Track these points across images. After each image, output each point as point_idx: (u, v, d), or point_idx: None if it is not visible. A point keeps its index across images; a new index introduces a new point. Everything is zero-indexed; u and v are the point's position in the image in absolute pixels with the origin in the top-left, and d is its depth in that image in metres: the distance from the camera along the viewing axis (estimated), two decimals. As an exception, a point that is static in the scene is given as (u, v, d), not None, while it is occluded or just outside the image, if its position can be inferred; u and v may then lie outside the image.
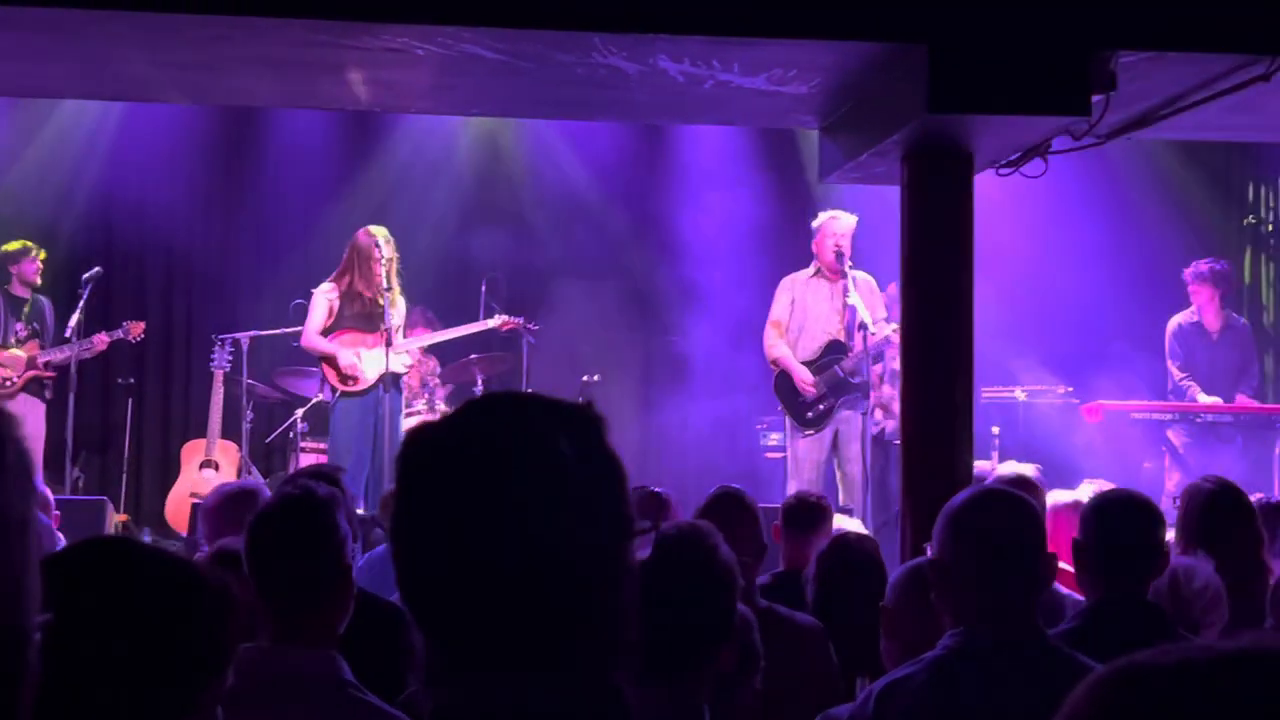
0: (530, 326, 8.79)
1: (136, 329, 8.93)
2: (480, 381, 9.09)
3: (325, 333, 7.94)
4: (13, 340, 8.72)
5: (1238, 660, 0.85)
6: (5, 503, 0.81)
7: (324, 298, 7.98)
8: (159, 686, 1.59)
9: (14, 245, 8.86)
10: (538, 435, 1.29)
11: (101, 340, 8.83)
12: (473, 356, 8.96)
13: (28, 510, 0.84)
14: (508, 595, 1.25)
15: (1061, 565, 4.48)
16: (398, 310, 7.94)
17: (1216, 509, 4.06)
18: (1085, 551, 3.30)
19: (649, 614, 2.30)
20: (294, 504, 2.55)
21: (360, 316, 7.92)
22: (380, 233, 7.95)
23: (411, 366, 8.45)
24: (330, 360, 7.89)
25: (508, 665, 1.26)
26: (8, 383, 8.62)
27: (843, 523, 5.34)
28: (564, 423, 1.31)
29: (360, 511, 6.02)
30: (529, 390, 7.76)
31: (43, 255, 8.90)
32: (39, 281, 8.90)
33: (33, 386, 8.73)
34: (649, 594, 2.34)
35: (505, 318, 8.64)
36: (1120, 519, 3.28)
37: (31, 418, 8.62)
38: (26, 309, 8.83)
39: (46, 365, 8.70)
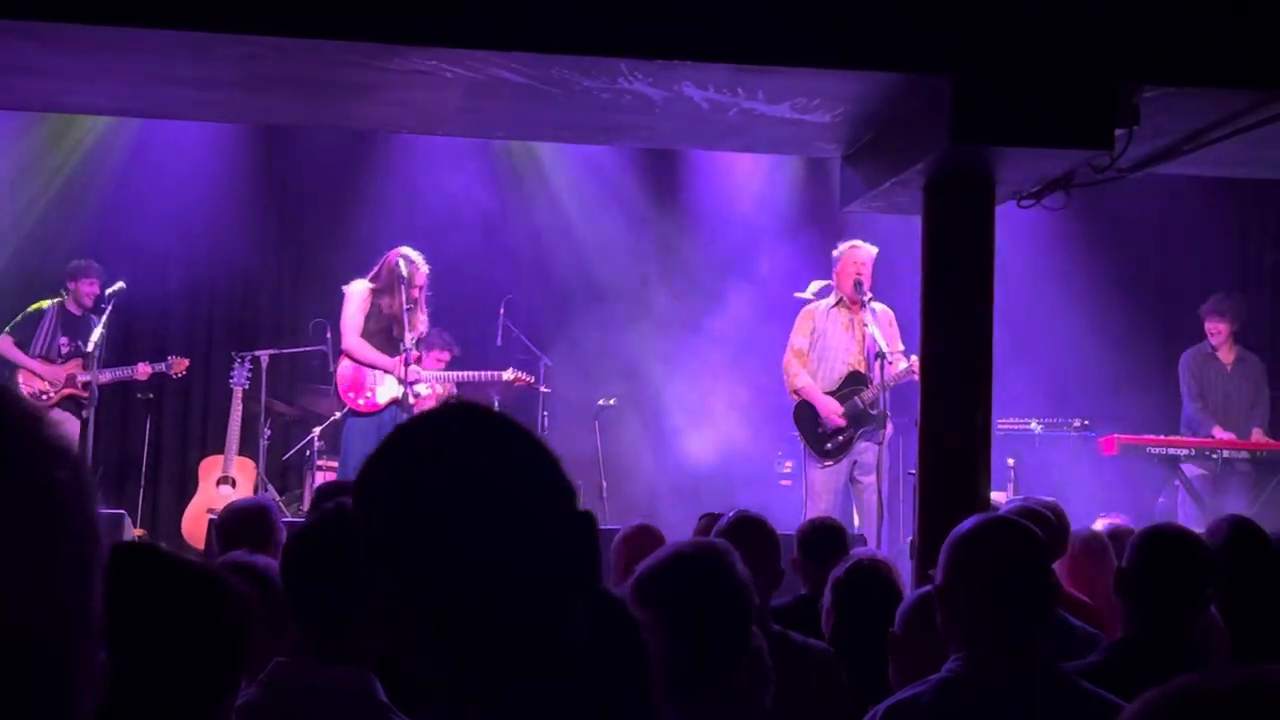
0: (542, 389, 8.85)
1: (180, 366, 9.04)
2: (496, 404, 9.12)
3: None
4: (56, 355, 8.80)
5: None
6: (88, 525, 0.82)
7: (359, 298, 8.02)
8: (176, 691, 1.60)
9: (78, 263, 8.94)
10: (496, 429, 1.38)
11: (144, 370, 8.93)
12: (483, 377, 8.97)
13: (99, 530, 0.84)
14: (507, 602, 1.31)
15: (1073, 594, 4.51)
16: (415, 332, 7.99)
17: (1236, 550, 4.00)
18: (1130, 583, 3.27)
19: (668, 633, 2.33)
20: (330, 524, 2.53)
21: (382, 334, 7.98)
22: (409, 255, 8.01)
23: (428, 397, 8.54)
24: (371, 367, 7.92)
25: (512, 671, 1.30)
26: (44, 396, 8.70)
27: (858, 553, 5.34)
28: (504, 420, 1.40)
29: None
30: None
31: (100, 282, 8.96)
32: (90, 305, 8.96)
33: (68, 404, 8.80)
34: (667, 612, 2.37)
35: (518, 374, 8.71)
36: (1172, 553, 3.26)
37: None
38: (79, 326, 8.91)
39: (85, 386, 8.76)
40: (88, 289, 8.90)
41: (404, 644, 1.35)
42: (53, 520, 0.80)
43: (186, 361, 9.10)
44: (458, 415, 1.39)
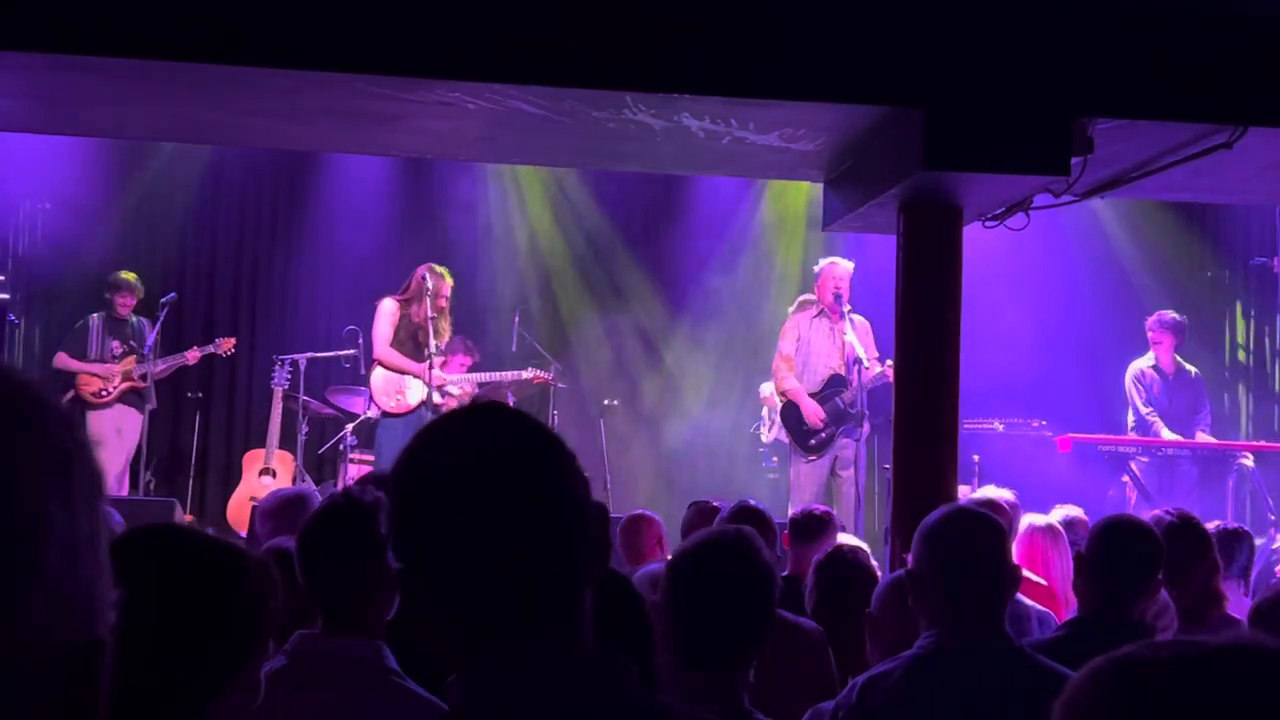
0: (559, 385, 8.85)
1: (227, 344, 9.06)
2: (512, 402, 9.13)
3: None
4: (110, 357, 8.81)
5: (1234, 652, 0.83)
6: (73, 521, 0.77)
7: (389, 313, 8.06)
8: (202, 656, 1.59)
9: (128, 276, 8.92)
10: (517, 424, 1.35)
11: (194, 354, 8.93)
12: (507, 378, 8.98)
13: (96, 526, 0.79)
14: (524, 567, 1.29)
15: (1032, 577, 4.50)
16: (440, 340, 8.02)
17: (1176, 540, 4.02)
18: (1089, 566, 3.28)
19: (696, 611, 2.32)
20: (339, 511, 2.53)
21: (410, 341, 8.02)
22: (435, 269, 8.04)
23: (458, 397, 8.57)
24: (401, 373, 7.95)
25: (522, 633, 1.29)
26: (104, 393, 8.70)
27: (841, 538, 5.34)
28: (528, 418, 1.38)
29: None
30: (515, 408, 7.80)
31: (140, 293, 8.97)
32: (128, 315, 8.96)
33: (130, 398, 8.78)
34: (697, 593, 2.36)
35: (537, 371, 8.73)
36: (1128, 541, 3.28)
37: (128, 425, 8.73)
38: (128, 330, 8.91)
39: (143, 377, 8.74)
40: (121, 302, 8.90)
41: (422, 616, 1.34)
42: (65, 467, 0.78)
43: (233, 340, 9.09)
44: (482, 412, 1.38)
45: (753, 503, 4.28)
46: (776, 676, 3.19)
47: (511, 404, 8.97)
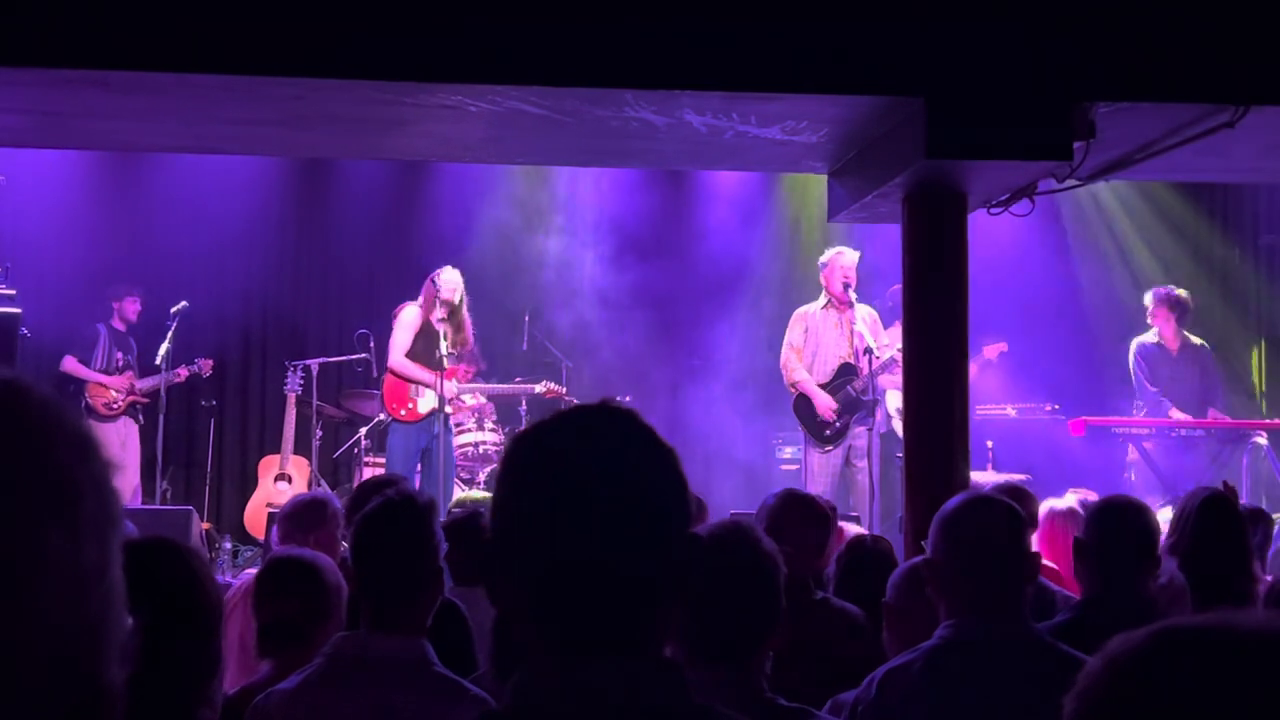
0: (569, 398, 8.86)
1: (206, 366, 9.19)
2: (524, 402, 9.14)
3: None
4: (114, 369, 8.87)
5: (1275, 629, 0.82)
6: (79, 552, 0.73)
7: (410, 323, 8.06)
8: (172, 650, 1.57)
9: (120, 285, 9.02)
10: (624, 439, 1.34)
11: (182, 373, 9.01)
12: (519, 390, 8.98)
13: (106, 559, 0.75)
14: (599, 584, 1.29)
15: (1049, 564, 4.50)
16: (455, 347, 8.03)
17: (1210, 518, 3.97)
18: (1087, 549, 3.28)
19: (702, 605, 2.32)
20: (399, 509, 2.52)
21: (426, 349, 8.03)
22: (445, 275, 8.04)
23: (472, 406, 8.61)
24: (412, 382, 7.96)
25: (598, 640, 1.29)
26: (114, 405, 8.76)
27: (849, 528, 5.33)
28: (639, 429, 1.36)
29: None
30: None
31: (141, 297, 9.05)
32: (135, 321, 9.02)
33: (130, 410, 8.90)
34: (700, 587, 2.36)
35: (550, 385, 8.74)
36: (1122, 521, 3.28)
37: (130, 437, 8.83)
38: (130, 342, 8.98)
39: (144, 392, 8.88)
40: (131, 306, 8.98)
41: (506, 607, 1.35)
42: (73, 494, 0.74)
43: (211, 362, 9.23)
44: (602, 419, 1.37)
45: (799, 490, 4.16)
46: (829, 659, 3.20)
47: (524, 410, 9.04)
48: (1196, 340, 8.92)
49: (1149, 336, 8.86)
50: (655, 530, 1.32)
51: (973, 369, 7.09)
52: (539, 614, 1.32)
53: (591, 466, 1.31)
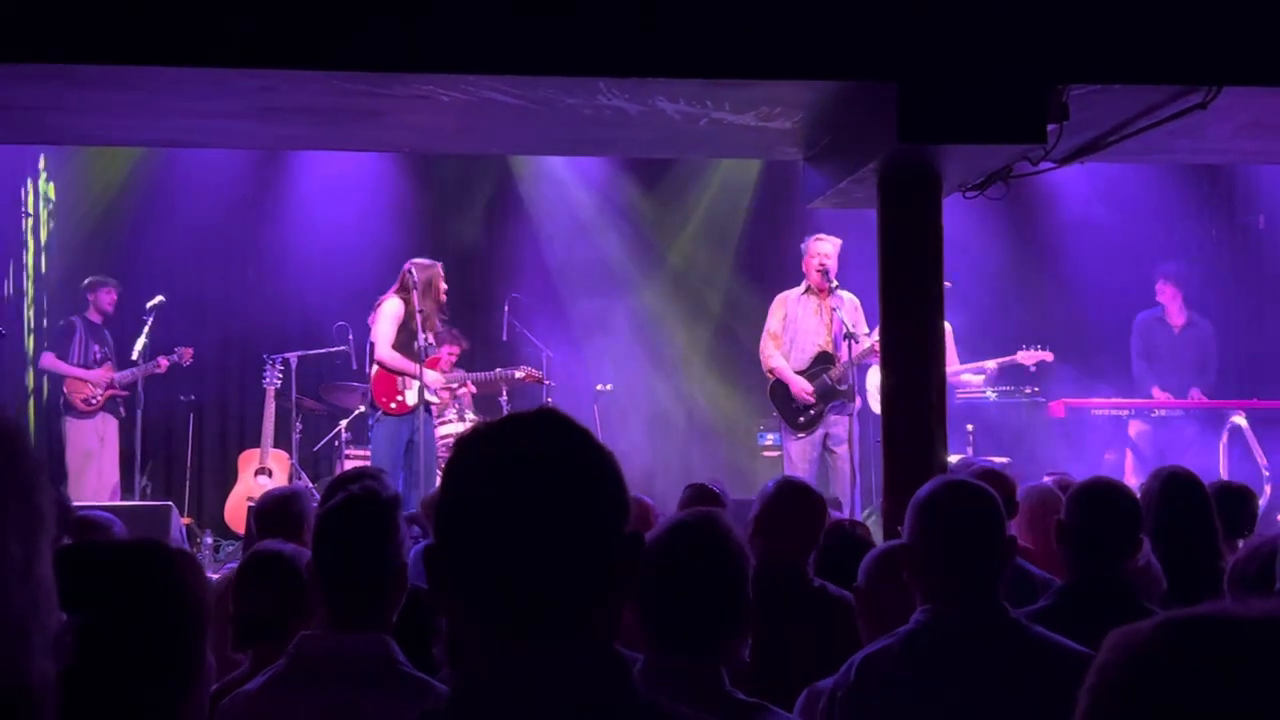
0: (548, 382, 8.85)
1: (187, 354, 9.08)
2: (505, 393, 9.12)
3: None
4: (92, 362, 8.81)
5: None
6: (5, 552, 0.73)
7: (393, 314, 8.01)
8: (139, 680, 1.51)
9: (94, 278, 8.96)
10: (559, 442, 1.36)
11: (162, 363, 8.94)
12: (499, 376, 8.95)
13: (32, 556, 0.75)
14: (534, 584, 1.31)
15: (1027, 546, 4.50)
16: (428, 333, 7.98)
17: (1175, 497, 3.96)
18: (1068, 532, 3.27)
19: (668, 595, 2.31)
20: (360, 504, 2.47)
21: (407, 340, 7.98)
22: (418, 262, 7.99)
23: (455, 389, 8.57)
24: (401, 375, 7.92)
25: (535, 635, 1.31)
26: (93, 400, 8.71)
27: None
28: (575, 433, 1.38)
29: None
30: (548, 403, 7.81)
31: (118, 288, 9.01)
32: (111, 312, 8.98)
33: (110, 405, 8.84)
34: (668, 578, 2.35)
35: (530, 370, 8.72)
36: (1104, 503, 3.26)
37: (109, 433, 8.78)
38: (105, 335, 8.93)
39: (124, 386, 8.82)
40: (106, 298, 8.93)
41: (446, 609, 1.38)
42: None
43: (191, 350, 9.12)
44: (530, 418, 1.40)
45: (799, 479, 4.13)
46: (826, 645, 3.19)
47: (504, 397, 9.02)
48: (1202, 318, 8.94)
49: (1153, 311, 8.91)
50: (590, 531, 1.34)
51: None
52: (475, 614, 1.33)
53: (527, 469, 1.33)
